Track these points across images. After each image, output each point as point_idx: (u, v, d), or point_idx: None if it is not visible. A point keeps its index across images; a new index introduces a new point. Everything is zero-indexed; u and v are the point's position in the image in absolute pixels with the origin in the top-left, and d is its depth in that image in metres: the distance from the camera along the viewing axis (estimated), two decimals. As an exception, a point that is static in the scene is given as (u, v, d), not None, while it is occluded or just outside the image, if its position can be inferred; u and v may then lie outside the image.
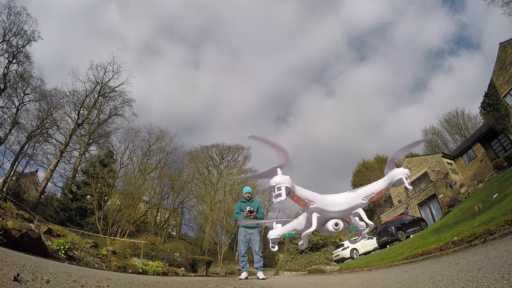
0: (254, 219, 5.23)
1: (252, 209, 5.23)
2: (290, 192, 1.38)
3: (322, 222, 1.40)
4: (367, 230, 1.44)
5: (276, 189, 1.38)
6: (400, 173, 1.43)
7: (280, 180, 1.40)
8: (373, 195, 1.46)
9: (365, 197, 1.44)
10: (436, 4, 76.95)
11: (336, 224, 1.39)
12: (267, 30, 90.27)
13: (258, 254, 5.21)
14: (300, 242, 1.61)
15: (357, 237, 1.54)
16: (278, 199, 1.37)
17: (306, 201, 1.42)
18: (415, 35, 79.92)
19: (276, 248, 2.00)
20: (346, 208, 1.38)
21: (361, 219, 1.39)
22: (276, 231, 1.80)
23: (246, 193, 5.55)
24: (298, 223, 1.60)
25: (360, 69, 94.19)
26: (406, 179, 1.45)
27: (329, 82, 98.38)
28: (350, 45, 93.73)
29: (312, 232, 1.39)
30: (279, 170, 1.43)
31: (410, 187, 1.56)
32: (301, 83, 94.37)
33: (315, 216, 1.37)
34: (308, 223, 1.40)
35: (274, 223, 2.03)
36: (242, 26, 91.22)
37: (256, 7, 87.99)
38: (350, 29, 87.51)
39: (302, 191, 1.45)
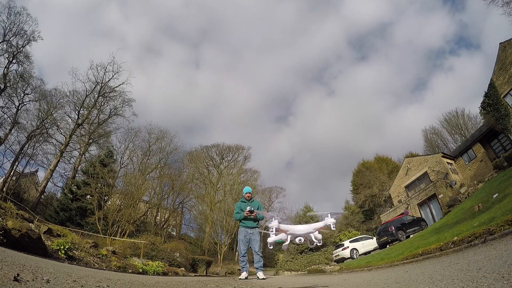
0: (254, 219, 5.24)
1: (252, 209, 5.22)
2: (277, 229, 2.74)
3: (293, 237, 2.78)
4: (316, 242, 2.81)
5: (270, 228, 2.72)
6: (330, 221, 2.77)
7: (273, 224, 2.72)
8: (318, 228, 2.81)
9: (314, 229, 2.81)
10: (437, 4, 77.06)
11: (300, 239, 2.78)
12: (267, 29, 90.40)
13: (258, 254, 5.19)
14: (283, 247, 3.07)
15: (314, 243, 2.88)
16: (272, 233, 2.77)
17: (285, 230, 2.79)
18: (415, 35, 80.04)
19: (272, 247, 3.17)
20: (305, 233, 2.78)
21: (313, 237, 2.81)
22: (272, 238, 2.97)
23: (246, 193, 5.52)
24: (283, 235, 2.91)
25: (361, 69, 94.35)
26: (333, 225, 2.76)
27: (329, 82, 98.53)
28: (350, 45, 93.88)
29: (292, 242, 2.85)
30: (273, 218, 2.75)
31: (334, 228, 2.86)
32: (302, 83, 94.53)
33: (289, 237, 2.76)
34: (285, 240, 2.79)
35: (271, 231, 3.08)
36: (242, 26, 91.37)
37: (256, 6, 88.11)
38: (351, 29, 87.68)
39: (282, 226, 2.81)
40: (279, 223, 2.78)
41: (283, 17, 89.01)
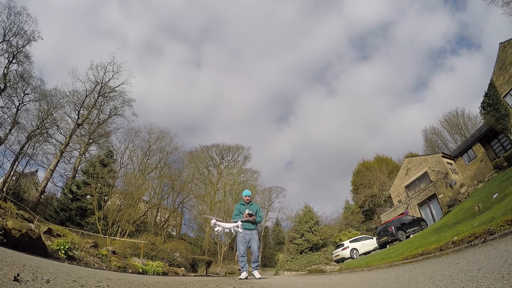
0: (252, 221, 5.48)
1: (251, 212, 5.41)
2: (215, 224, 5.29)
3: (224, 229, 5.40)
4: (234, 233, 5.45)
5: (213, 224, 5.35)
6: (239, 223, 5.31)
7: (213, 222, 5.31)
8: (234, 225, 5.32)
9: (232, 226, 5.35)
10: (438, 3, 77.12)
11: (226, 230, 5.40)
12: (269, 29, 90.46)
13: (256, 253, 5.40)
14: (219, 233, 5.71)
15: (233, 233, 5.53)
16: (212, 224, 5.37)
17: (219, 225, 5.34)
18: (416, 34, 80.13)
19: (217, 233, 6.67)
20: (229, 227, 5.39)
21: (232, 230, 5.45)
22: (216, 229, 5.35)
23: (245, 196, 5.70)
24: (220, 228, 5.37)
25: (362, 69, 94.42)
26: (240, 227, 5.27)
27: (331, 81, 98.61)
28: (352, 44, 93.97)
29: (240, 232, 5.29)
30: (213, 218, 5.40)
31: (240, 228, 5.31)
32: (303, 83, 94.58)
33: (221, 228, 5.37)
34: (221, 231, 5.47)
35: (214, 222, 5.37)
36: (243, 25, 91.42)
37: (257, 6, 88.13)
38: (352, 28, 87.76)
39: (218, 223, 5.33)
40: (216, 222, 5.37)
41: (284, 17, 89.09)
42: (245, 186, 34.20)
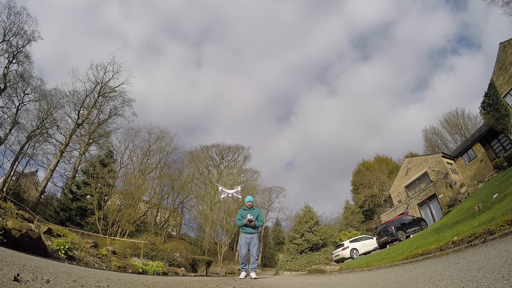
0: (253, 226, 5.87)
1: (251, 218, 5.82)
2: (221, 190, 13.79)
3: (227, 194, 13.87)
4: (235, 196, 14.31)
5: (220, 190, 14.10)
6: (238, 188, 13.62)
7: (220, 188, 14.20)
8: (235, 191, 13.54)
9: (234, 191, 13.56)
10: (439, 3, 77.14)
11: (229, 195, 13.96)
12: (269, 29, 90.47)
13: (254, 257, 5.71)
14: (223, 198, 14.93)
15: (235, 197, 15.30)
16: (220, 190, 14.19)
17: (224, 191, 13.70)
18: (417, 34, 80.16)
19: (222, 199, 17.62)
20: (232, 192, 13.69)
21: (235, 194, 13.69)
22: (221, 196, 14.01)
23: (248, 201, 6.14)
24: (225, 195, 13.84)
25: (363, 68, 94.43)
26: (237, 193, 13.51)
27: (331, 81, 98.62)
28: (353, 44, 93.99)
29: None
30: (220, 187, 14.53)
31: (239, 194, 13.65)
32: (304, 82, 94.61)
33: (226, 194, 13.80)
34: (226, 196, 14.20)
35: (221, 189, 13.95)
36: (244, 25, 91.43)
37: (258, 5, 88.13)
38: (353, 28, 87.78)
39: (224, 189, 13.83)
40: (222, 189, 13.09)
41: (285, 16, 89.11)
42: (245, 186, 34.21)
